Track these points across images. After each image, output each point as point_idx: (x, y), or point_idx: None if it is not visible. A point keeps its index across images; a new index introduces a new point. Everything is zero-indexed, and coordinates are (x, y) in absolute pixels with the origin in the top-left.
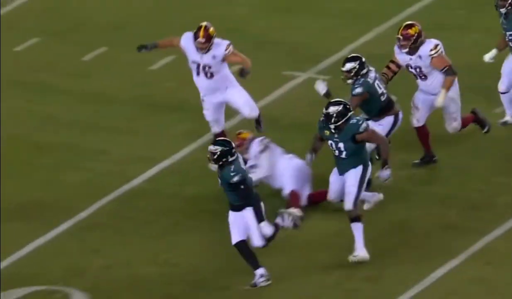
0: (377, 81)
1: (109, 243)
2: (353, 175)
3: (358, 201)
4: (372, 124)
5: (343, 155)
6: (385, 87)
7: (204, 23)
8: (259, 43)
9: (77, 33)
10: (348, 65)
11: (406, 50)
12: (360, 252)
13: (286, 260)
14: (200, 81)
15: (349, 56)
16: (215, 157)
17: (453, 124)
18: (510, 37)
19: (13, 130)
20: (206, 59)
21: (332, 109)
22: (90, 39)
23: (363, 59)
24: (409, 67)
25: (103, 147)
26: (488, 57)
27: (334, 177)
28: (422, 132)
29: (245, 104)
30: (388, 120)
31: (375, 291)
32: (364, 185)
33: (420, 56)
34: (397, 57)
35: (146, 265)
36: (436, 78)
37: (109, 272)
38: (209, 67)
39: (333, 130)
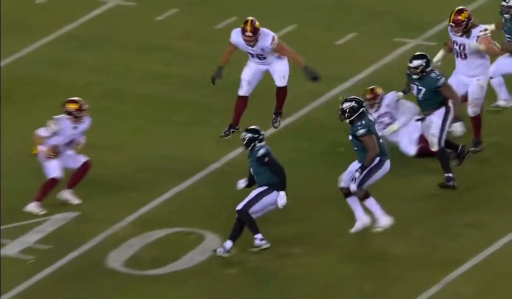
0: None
1: (239, 191)
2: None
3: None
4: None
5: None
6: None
7: (250, 18)
8: (372, 12)
9: (210, 4)
10: (416, 62)
11: (460, 34)
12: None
13: None
14: (254, 62)
15: (416, 54)
16: (245, 142)
17: (474, 109)
18: (508, 39)
19: (154, 91)
20: (256, 50)
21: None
22: (221, 10)
23: (429, 57)
24: (455, 44)
25: (231, 105)
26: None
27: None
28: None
29: (280, 74)
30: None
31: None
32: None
33: (468, 36)
34: (450, 35)
35: None
36: (474, 61)
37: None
38: (262, 55)
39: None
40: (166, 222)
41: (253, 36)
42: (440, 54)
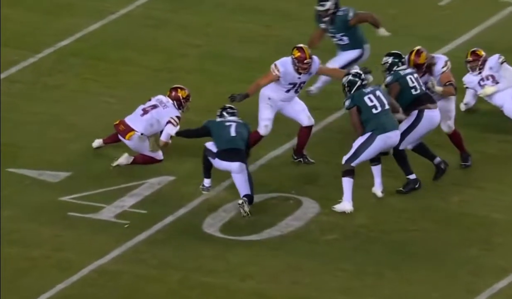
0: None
1: (337, 156)
2: None
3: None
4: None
5: None
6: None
7: (302, 45)
8: None
9: None
10: (384, 59)
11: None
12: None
13: None
14: (287, 95)
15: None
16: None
17: (448, 123)
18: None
19: (250, 54)
20: (304, 78)
21: None
22: None
23: (401, 55)
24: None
25: None
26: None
27: None
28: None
29: (306, 112)
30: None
31: None
32: None
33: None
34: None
35: None
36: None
37: (338, 182)
38: (303, 83)
39: None
40: (263, 187)
41: (311, 62)
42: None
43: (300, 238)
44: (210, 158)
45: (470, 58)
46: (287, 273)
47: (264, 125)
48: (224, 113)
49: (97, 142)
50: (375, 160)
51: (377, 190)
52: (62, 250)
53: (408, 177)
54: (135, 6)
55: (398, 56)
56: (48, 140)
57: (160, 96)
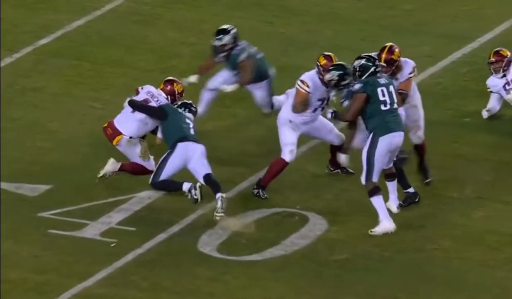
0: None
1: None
2: None
3: None
4: None
5: None
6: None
7: (330, 53)
8: None
9: None
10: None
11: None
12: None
13: None
14: (311, 116)
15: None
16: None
17: (418, 133)
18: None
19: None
20: (331, 89)
21: None
22: None
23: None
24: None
25: None
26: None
27: None
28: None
29: (337, 130)
30: None
31: None
32: None
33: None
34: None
35: None
36: None
37: (347, 196)
38: (329, 98)
39: None
40: (265, 202)
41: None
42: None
43: (306, 258)
44: (169, 158)
45: (493, 59)
46: (292, 298)
47: (290, 150)
48: (185, 108)
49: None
50: (390, 176)
51: (392, 205)
52: (42, 271)
53: (406, 191)
54: (122, 1)
55: (372, 60)
56: (26, 149)
57: (149, 87)
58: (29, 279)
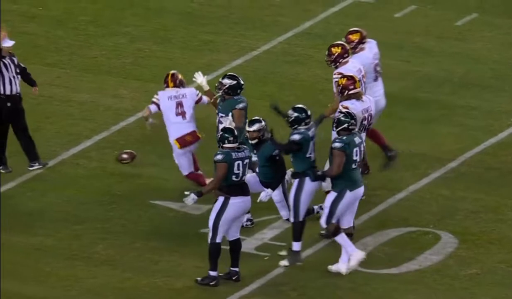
0: None
1: (475, 191)
2: None
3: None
4: None
5: None
6: None
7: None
8: None
9: (449, 0)
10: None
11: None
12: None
13: None
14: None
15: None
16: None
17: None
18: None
19: (390, 89)
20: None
21: None
22: (462, 5)
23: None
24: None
25: (473, 104)
26: None
27: None
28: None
29: None
30: None
31: None
32: None
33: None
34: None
35: None
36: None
37: (476, 217)
38: None
39: None
40: (402, 221)
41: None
42: None
43: (439, 273)
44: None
45: None
46: None
47: None
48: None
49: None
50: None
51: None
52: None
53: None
54: (276, 43)
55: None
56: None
57: (166, 93)
58: (192, 288)
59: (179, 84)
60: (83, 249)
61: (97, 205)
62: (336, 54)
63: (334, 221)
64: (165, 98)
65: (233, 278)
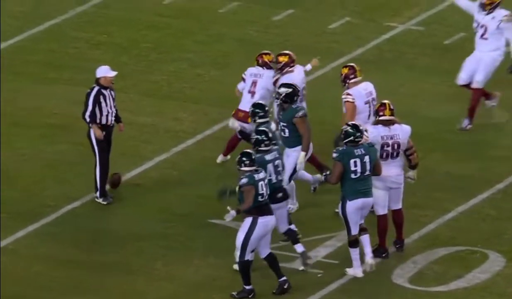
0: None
1: None
2: None
3: None
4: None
5: None
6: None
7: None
8: None
9: None
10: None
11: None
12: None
13: None
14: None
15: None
16: None
17: None
18: None
19: (442, 113)
20: None
21: None
22: None
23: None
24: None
25: None
26: None
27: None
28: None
29: None
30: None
31: None
32: None
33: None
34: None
35: None
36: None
37: None
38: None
39: None
40: (451, 240)
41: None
42: None
43: (486, 290)
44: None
45: None
46: None
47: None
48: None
49: (220, 158)
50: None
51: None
52: (259, 296)
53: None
54: (329, 68)
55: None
56: None
57: (250, 70)
58: None
59: (263, 65)
60: (143, 264)
61: (158, 223)
62: (343, 75)
63: (353, 232)
64: (249, 74)
65: (285, 286)
